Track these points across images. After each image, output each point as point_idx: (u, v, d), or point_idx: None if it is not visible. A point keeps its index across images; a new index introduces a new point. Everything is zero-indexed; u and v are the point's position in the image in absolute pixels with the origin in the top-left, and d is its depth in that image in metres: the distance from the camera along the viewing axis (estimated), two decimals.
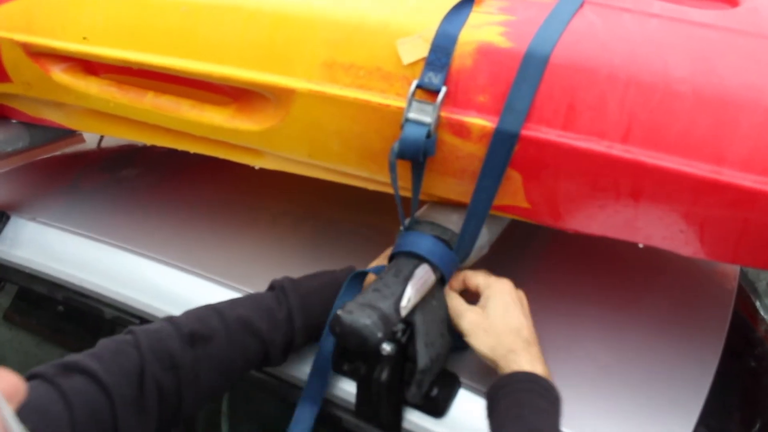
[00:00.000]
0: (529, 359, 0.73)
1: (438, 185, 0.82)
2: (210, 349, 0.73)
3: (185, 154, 1.05)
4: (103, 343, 0.70)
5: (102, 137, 1.60)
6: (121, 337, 0.71)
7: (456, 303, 0.80)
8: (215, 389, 0.76)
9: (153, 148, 1.48)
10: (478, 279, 0.82)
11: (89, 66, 1.01)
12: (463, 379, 0.81)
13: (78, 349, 0.71)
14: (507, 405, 0.70)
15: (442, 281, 0.80)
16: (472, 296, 0.82)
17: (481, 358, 0.77)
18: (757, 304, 1.32)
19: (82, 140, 1.61)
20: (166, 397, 0.69)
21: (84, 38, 0.94)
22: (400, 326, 0.75)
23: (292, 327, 0.79)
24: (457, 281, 0.83)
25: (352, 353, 0.82)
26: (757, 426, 1.00)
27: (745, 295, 1.21)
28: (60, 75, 0.99)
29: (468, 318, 0.78)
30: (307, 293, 0.81)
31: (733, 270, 1.15)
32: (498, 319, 0.77)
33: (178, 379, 0.70)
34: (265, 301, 0.80)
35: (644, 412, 0.80)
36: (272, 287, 0.83)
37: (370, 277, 0.82)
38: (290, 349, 0.81)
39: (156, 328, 0.72)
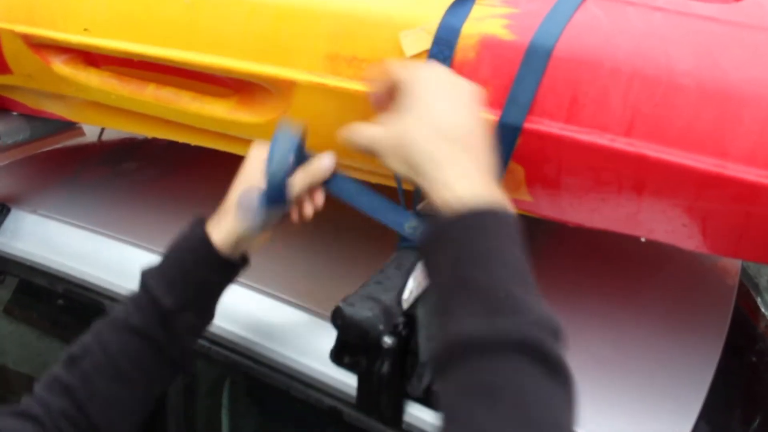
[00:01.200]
0: (459, 172, 0.55)
1: None
2: (88, 362, 0.69)
3: (186, 147, 1.05)
4: (35, 387, 0.69)
5: (103, 130, 1.60)
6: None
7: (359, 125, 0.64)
8: (121, 400, 0.70)
9: (154, 140, 1.48)
10: (392, 68, 0.64)
11: (90, 57, 1.00)
12: None
13: None
14: (441, 262, 0.54)
15: None
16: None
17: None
18: (758, 300, 1.32)
19: (83, 133, 1.61)
20: (76, 421, 0.67)
21: (85, 29, 0.93)
22: (401, 319, 0.75)
23: (152, 297, 0.71)
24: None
25: (353, 346, 0.81)
26: (758, 421, 1.00)
27: (745, 291, 1.21)
28: (61, 66, 0.99)
29: (368, 131, 0.62)
30: (160, 261, 0.74)
31: (734, 266, 1.15)
32: (415, 115, 0.58)
33: (76, 402, 0.67)
34: (129, 296, 0.74)
35: (645, 407, 0.80)
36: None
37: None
38: (169, 317, 0.71)
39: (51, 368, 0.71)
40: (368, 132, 0.63)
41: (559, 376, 0.49)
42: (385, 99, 0.65)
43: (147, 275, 0.73)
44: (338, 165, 0.89)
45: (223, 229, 0.73)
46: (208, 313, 0.77)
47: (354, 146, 0.64)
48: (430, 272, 0.56)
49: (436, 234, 0.55)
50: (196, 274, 0.73)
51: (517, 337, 0.48)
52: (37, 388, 0.68)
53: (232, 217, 0.73)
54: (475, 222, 0.53)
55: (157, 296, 0.71)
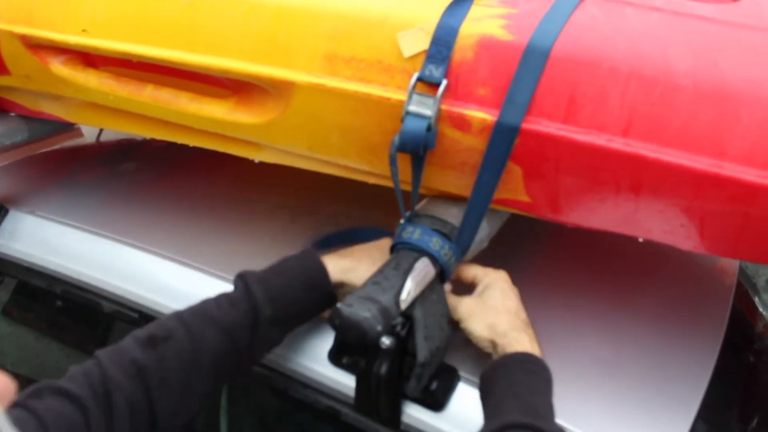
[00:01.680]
0: (528, 339, 0.76)
1: (438, 179, 0.82)
2: (171, 347, 0.71)
3: (184, 148, 1.05)
4: (71, 369, 0.69)
5: (101, 131, 1.59)
6: (87, 362, 0.70)
7: (450, 297, 0.82)
8: (189, 390, 0.72)
9: (152, 141, 1.48)
10: (476, 270, 0.84)
11: (88, 58, 1.00)
12: (462, 373, 0.81)
13: (77, 344, 0.71)
14: (505, 384, 0.72)
15: (441, 275, 0.80)
16: (467, 289, 0.82)
17: (477, 342, 0.78)
18: (756, 300, 1.32)
19: (81, 134, 1.61)
20: (136, 407, 0.67)
21: (83, 30, 0.93)
22: (399, 320, 0.75)
23: (252, 299, 0.76)
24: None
25: (351, 346, 0.82)
26: (756, 421, 1.00)
27: (743, 291, 1.21)
28: (59, 67, 0.99)
29: (465, 304, 0.80)
30: (266, 269, 0.80)
31: (732, 266, 1.15)
32: (497, 302, 0.79)
33: (146, 385, 0.68)
34: (225, 293, 0.78)
35: (643, 406, 0.80)
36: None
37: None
38: (264, 325, 0.76)
39: (116, 344, 0.71)
40: (466, 303, 0.81)
41: None
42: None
43: (251, 280, 0.77)
44: (338, 166, 0.89)
45: (345, 268, 0.82)
46: (286, 335, 0.81)
47: (452, 315, 0.81)
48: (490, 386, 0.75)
49: (509, 361, 0.74)
50: (303, 297, 0.80)
51: (542, 428, 0.66)
52: (105, 363, 0.67)
53: (360, 266, 0.82)
54: (534, 363, 0.74)
55: (258, 302, 0.75)
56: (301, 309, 0.81)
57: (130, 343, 0.71)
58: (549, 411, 0.71)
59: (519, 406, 0.69)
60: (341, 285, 0.81)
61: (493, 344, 0.76)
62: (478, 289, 0.82)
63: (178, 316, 0.74)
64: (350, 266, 0.82)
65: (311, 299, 0.81)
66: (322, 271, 0.80)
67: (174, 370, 0.70)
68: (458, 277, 0.85)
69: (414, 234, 0.79)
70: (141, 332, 0.72)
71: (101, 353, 0.70)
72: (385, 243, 0.84)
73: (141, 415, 0.67)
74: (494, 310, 0.78)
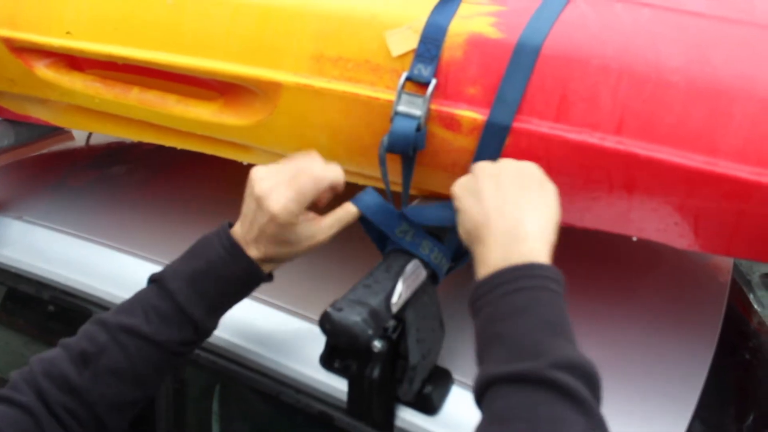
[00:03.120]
0: (480, 260, 0.63)
1: (429, 179, 0.81)
2: (105, 364, 0.68)
3: (174, 151, 1.04)
4: (12, 375, 0.68)
5: (90, 134, 1.58)
6: (24, 369, 0.68)
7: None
8: (131, 398, 0.70)
9: (141, 144, 1.47)
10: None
11: (73, 61, 0.99)
12: (456, 376, 0.80)
13: None
14: (486, 318, 0.59)
15: (433, 277, 0.79)
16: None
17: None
18: (751, 297, 1.32)
19: (72, 137, 1.59)
20: (78, 418, 0.66)
21: (68, 33, 0.92)
22: (391, 323, 0.74)
23: (190, 317, 0.71)
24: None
25: (343, 351, 0.81)
26: (751, 419, 1.00)
27: (737, 288, 1.20)
28: (44, 71, 0.98)
29: (460, 180, 0.69)
30: (191, 274, 0.73)
31: (727, 263, 1.15)
32: (465, 211, 0.67)
33: (84, 401, 0.66)
34: (148, 301, 0.72)
35: (640, 406, 0.79)
36: (151, 280, 0.75)
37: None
38: (203, 335, 0.73)
39: (49, 354, 0.69)
40: (462, 179, 0.69)
41: (580, 408, 0.51)
42: None
43: (178, 293, 0.71)
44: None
45: (269, 249, 0.74)
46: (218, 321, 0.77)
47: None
48: (475, 335, 0.61)
49: (473, 298, 0.62)
50: (239, 296, 0.76)
51: (535, 375, 0.52)
52: (37, 375, 0.66)
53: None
54: (501, 282, 0.59)
55: (200, 321, 0.72)
56: (233, 299, 0.76)
57: (61, 357, 0.68)
58: (545, 336, 0.55)
59: (496, 352, 0.56)
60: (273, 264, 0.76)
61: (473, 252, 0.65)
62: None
63: (106, 328, 0.70)
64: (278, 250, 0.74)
65: (246, 293, 0.76)
66: (257, 270, 0.74)
67: (111, 386, 0.68)
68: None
69: (407, 236, 0.77)
70: (72, 344, 0.69)
71: (35, 363, 0.68)
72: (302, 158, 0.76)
73: (87, 423, 0.66)
74: (470, 208, 0.66)
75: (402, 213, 0.77)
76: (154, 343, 0.70)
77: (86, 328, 0.71)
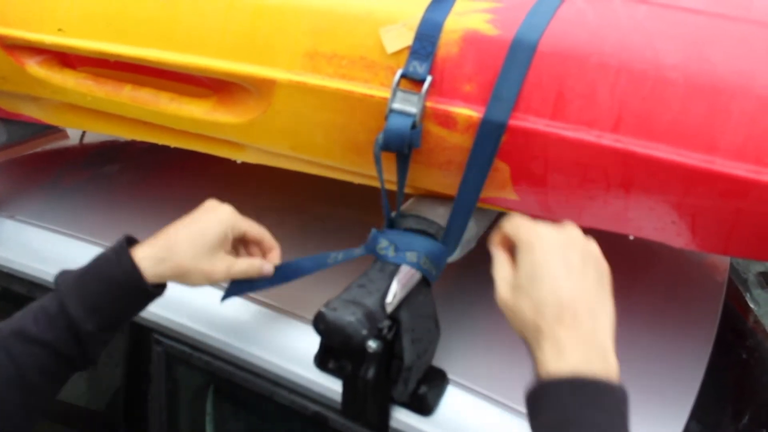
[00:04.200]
0: (556, 349, 0.55)
1: (424, 178, 0.80)
2: None
3: (168, 149, 1.03)
4: None
5: (84, 132, 1.57)
6: None
7: (498, 255, 0.65)
8: (27, 406, 0.69)
9: (135, 143, 1.45)
10: (514, 227, 0.63)
11: (65, 58, 0.98)
12: (451, 376, 0.80)
13: None
14: (548, 423, 0.55)
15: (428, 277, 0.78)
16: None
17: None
18: (747, 296, 1.32)
19: (66, 136, 1.58)
20: None
21: (59, 30, 0.91)
22: (386, 323, 0.73)
23: (68, 315, 0.69)
24: (497, 234, 0.66)
25: (337, 351, 0.80)
26: (746, 418, 0.99)
27: (734, 287, 1.20)
28: (35, 68, 0.97)
29: (500, 270, 0.63)
30: (78, 272, 0.72)
31: (723, 262, 1.14)
32: (523, 286, 0.59)
33: None
34: (40, 301, 0.71)
35: (636, 406, 0.78)
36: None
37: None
38: (86, 338, 0.70)
39: None
40: (500, 273, 0.63)
41: None
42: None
43: (65, 293, 0.70)
44: (322, 166, 0.87)
45: (166, 268, 0.73)
46: (117, 331, 0.75)
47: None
48: (534, 429, 0.56)
49: (538, 394, 0.56)
50: (123, 303, 0.73)
51: None
52: None
53: (183, 265, 0.74)
54: (583, 390, 0.54)
55: (77, 319, 0.69)
56: (127, 315, 0.75)
57: None
58: None
59: None
60: (161, 285, 0.76)
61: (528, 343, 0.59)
62: (518, 254, 0.62)
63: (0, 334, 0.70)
64: (163, 256, 0.74)
65: (132, 302, 0.75)
66: (139, 279, 0.72)
67: (5, 394, 0.67)
68: (501, 236, 0.66)
69: (389, 251, 0.76)
70: None
71: None
72: (209, 203, 0.79)
73: None
74: (517, 302, 0.60)
75: (376, 233, 0.77)
76: (40, 343, 0.68)
77: None
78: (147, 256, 0.73)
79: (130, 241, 0.75)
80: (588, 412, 0.53)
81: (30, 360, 0.68)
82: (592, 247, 0.62)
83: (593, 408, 0.53)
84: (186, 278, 0.75)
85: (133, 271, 0.72)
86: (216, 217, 0.77)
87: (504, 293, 0.61)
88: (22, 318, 0.70)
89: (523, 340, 0.60)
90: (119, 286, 0.72)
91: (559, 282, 0.58)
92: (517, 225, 0.63)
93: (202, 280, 0.75)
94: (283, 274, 0.80)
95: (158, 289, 0.75)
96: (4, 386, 0.67)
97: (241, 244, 0.82)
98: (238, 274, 0.77)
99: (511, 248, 0.63)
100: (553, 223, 0.63)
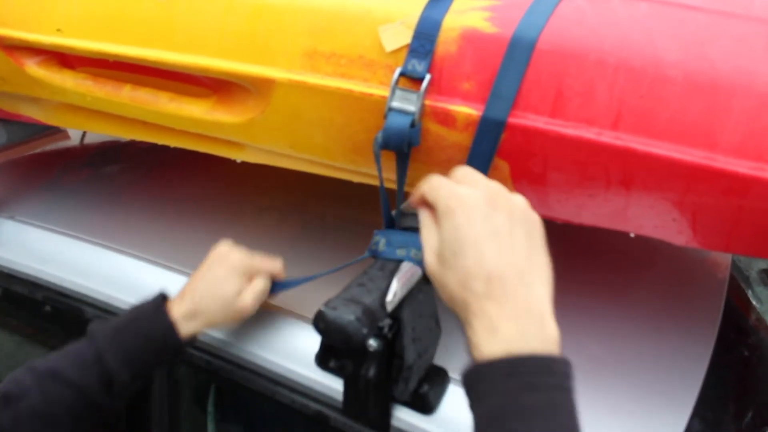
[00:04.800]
0: (487, 327, 0.50)
1: (424, 176, 0.79)
2: (24, 407, 0.72)
3: (168, 149, 1.03)
4: None
5: (84, 133, 1.57)
6: None
7: (425, 218, 0.58)
8: None
9: (136, 143, 1.45)
10: (433, 191, 0.57)
11: (64, 59, 0.98)
12: (453, 375, 0.80)
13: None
14: (486, 412, 0.51)
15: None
16: None
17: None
18: (749, 293, 1.31)
19: (67, 136, 1.58)
20: None
21: (58, 30, 0.91)
22: (386, 321, 0.73)
23: (104, 365, 0.75)
24: (416, 195, 0.60)
25: (338, 350, 0.80)
26: (749, 416, 0.99)
27: (735, 284, 1.20)
28: (34, 69, 0.97)
29: (427, 240, 0.57)
30: (116, 325, 0.79)
31: (725, 259, 1.14)
32: (446, 256, 0.54)
33: None
34: (75, 346, 0.77)
35: (638, 404, 0.79)
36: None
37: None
38: (118, 387, 0.76)
39: None
40: (428, 239, 0.57)
41: None
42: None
43: (102, 342, 0.76)
44: (322, 165, 0.87)
45: (198, 325, 0.80)
46: (146, 378, 0.82)
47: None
48: (474, 414, 0.52)
49: (476, 374, 0.52)
50: (158, 358, 0.79)
51: None
52: None
53: (213, 318, 0.81)
54: (518, 372, 0.50)
55: (112, 371, 0.75)
56: (155, 365, 0.81)
57: None
58: None
59: None
60: (209, 327, 0.83)
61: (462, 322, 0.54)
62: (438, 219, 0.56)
63: (33, 372, 0.74)
64: (192, 314, 0.80)
65: (166, 356, 0.81)
66: (174, 334, 0.79)
67: (30, 427, 0.72)
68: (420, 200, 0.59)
69: (379, 246, 0.75)
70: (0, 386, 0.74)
71: None
72: (220, 251, 0.85)
73: None
74: (443, 276, 0.54)
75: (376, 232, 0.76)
76: (74, 388, 0.73)
77: (17, 372, 0.75)
78: (180, 314, 0.79)
79: (164, 297, 0.82)
80: (525, 397, 0.49)
81: (61, 401, 0.73)
82: (518, 200, 0.56)
83: (531, 391, 0.49)
84: (220, 327, 0.85)
85: (170, 329, 0.78)
86: (230, 267, 0.82)
87: (431, 263, 0.56)
88: (60, 360, 0.75)
89: (455, 316, 0.55)
90: (156, 343, 0.78)
91: (484, 251, 0.52)
92: (436, 187, 0.57)
93: (237, 322, 0.85)
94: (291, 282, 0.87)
95: (190, 343, 0.82)
96: (32, 421, 0.72)
97: None
98: (262, 296, 0.83)
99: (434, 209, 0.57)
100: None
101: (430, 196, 0.57)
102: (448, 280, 0.53)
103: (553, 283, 0.55)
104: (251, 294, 0.82)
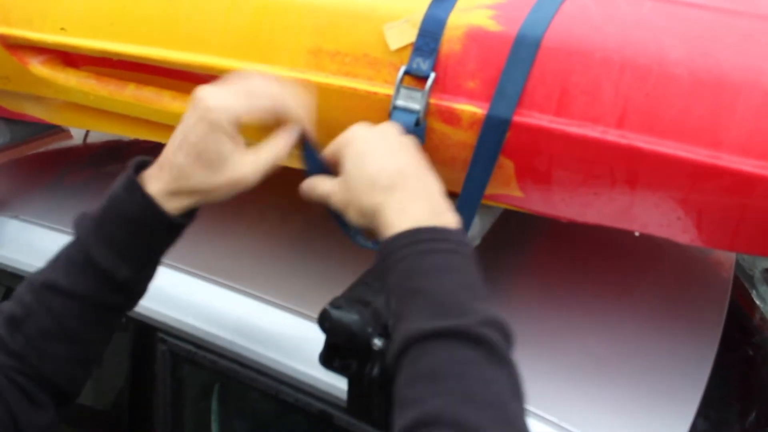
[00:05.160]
0: (398, 209, 0.60)
1: None
2: (32, 326, 0.64)
3: None
4: None
5: (87, 132, 1.57)
6: None
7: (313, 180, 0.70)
8: (74, 358, 0.66)
9: (140, 142, 1.46)
10: (331, 146, 0.68)
11: (68, 58, 0.98)
12: None
13: None
14: (397, 280, 0.58)
15: None
16: None
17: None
18: (753, 293, 1.31)
19: (70, 136, 1.58)
20: (33, 380, 0.63)
21: (62, 29, 0.91)
22: (391, 320, 0.73)
23: (96, 264, 0.64)
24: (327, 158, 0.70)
25: (343, 349, 0.80)
26: (753, 415, 0.99)
27: (739, 283, 1.20)
28: (38, 68, 0.96)
29: (323, 188, 0.68)
30: (96, 215, 0.66)
31: (729, 258, 1.14)
32: (353, 177, 0.64)
33: (28, 363, 0.63)
34: (66, 249, 0.66)
35: (643, 404, 0.79)
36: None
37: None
38: (123, 282, 0.65)
39: None
40: (323, 189, 0.69)
41: (502, 363, 0.52)
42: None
43: (86, 238, 0.64)
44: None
45: (183, 200, 0.65)
46: (157, 264, 0.71)
47: (311, 199, 0.70)
48: (386, 288, 0.61)
49: (385, 253, 0.60)
50: (152, 240, 0.67)
51: (460, 332, 0.53)
52: None
53: (198, 188, 0.65)
54: (420, 239, 0.59)
55: (108, 269, 0.64)
56: (153, 251, 0.68)
57: None
58: (467, 298, 0.55)
59: (418, 308, 0.55)
60: (199, 201, 0.67)
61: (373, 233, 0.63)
62: (342, 162, 0.66)
63: (32, 287, 0.65)
64: (174, 189, 0.65)
65: (162, 236, 0.68)
66: (156, 209, 0.64)
67: (46, 347, 0.64)
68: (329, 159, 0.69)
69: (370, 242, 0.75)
70: (5, 308, 0.65)
71: None
72: (194, 96, 0.66)
73: (40, 383, 0.64)
74: (352, 191, 0.64)
75: None
76: (75, 297, 0.64)
77: (18, 289, 0.66)
78: (158, 192, 0.64)
79: (140, 169, 0.67)
80: (427, 258, 0.57)
81: (68, 313, 0.64)
82: (408, 139, 0.68)
83: (432, 254, 0.57)
84: (212, 199, 0.66)
85: (150, 205, 0.64)
86: (205, 122, 0.63)
87: (337, 196, 0.66)
88: (53, 269, 0.65)
89: (363, 224, 0.65)
90: (140, 225, 0.65)
91: (383, 159, 0.64)
92: (335, 140, 0.69)
93: (233, 192, 0.67)
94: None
95: (186, 218, 0.67)
96: (46, 340, 0.64)
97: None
98: (269, 163, 0.67)
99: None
100: None
101: (334, 146, 0.68)
102: (356, 194, 0.64)
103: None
104: (258, 159, 0.66)
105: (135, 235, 0.65)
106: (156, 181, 0.65)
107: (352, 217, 0.65)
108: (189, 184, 0.64)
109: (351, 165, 0.65)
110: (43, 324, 0.64)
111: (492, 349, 0.52)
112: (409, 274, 0.57)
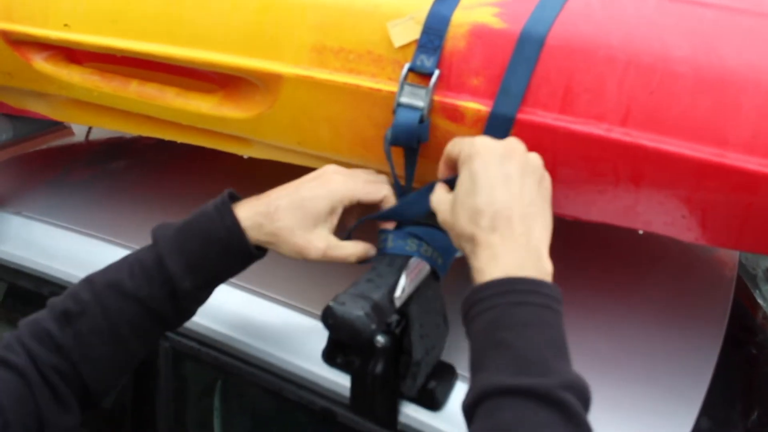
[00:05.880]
0: (490, 255, 0.58)
1: (432, 172, 0.79)
2: (85, 323, 0.66)
3: (174, 145, 1.03)
4: (5, 336, 0.67)
5: (90, 129, 1.57)
6: (14, 332, 0.67)
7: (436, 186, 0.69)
8: (113, 362, 0.69)
9: (141, 139, 1.46)
10: (456, 146, 0.67)
11: (72, 54, 0.98)
12: (460, 371, 0.79)
13: None
14: (482, 327, 0.57)
15: (435, 271, 0.78)
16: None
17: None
18: (756, 292, 1.31)
19: (72, 133, 1.59)
20: (65, 377, 0.65)
21: (65, 25, 0.91)
22: (394, 317, 0.73)
23: (165, 270, 0.68)
24: (443, 160, 0.70)
25: (346, 346, 0.80)
26: (755, 414, 0.99)
27: (742, 283, 1.19)
28: (42, 64, 0.97)
29: (436, 195, 0.68)
30: (180, 225, 0.70)
31: (732, 257, 1.14)
32: (460, 201, 0.63)
33: (68, 358, 0.65)
34: (137, 253, 0.70)
35: (646, 403, 0.78)
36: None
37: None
38: (181, 296, 0.69)
39: (35, 315, 0.68)
40: (435, 201, 0.68)
41: (577, 429, 0.50)
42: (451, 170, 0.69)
43: (164, 248, 0.69)
44: (330, 161, 0.87)
45: (261, 235, 0.70)
46: (214, 288, 0.74)
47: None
48: (469, 336, 0.59)
49: (471, 301, 0.58)
50: (223, 263, 0.71)
51: (544, 393, 0.51)
52: (24, 336, 0.65)
53: (282, 233, 0.70)
54: (513, 290, 0.57)
55: (174, 276, 0.68)
56: (224, 274, 0.72)
57: (45, 315, 0.67)
58: (552, 356, 0.54)
59: (502, 361, 0.54)
60: (268, 243, 0.71)
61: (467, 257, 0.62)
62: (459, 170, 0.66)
63: (91, 286, 0.68)
64: (261, 222, 0.70)
65: (232, 263, 0.72)
66: (240, 235, 0.69)
67: (93, 346, 0.67)
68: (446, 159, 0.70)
69: (387, 242, 0.76)
70: (57, 303, 0.68)
71: (22, 323, 0.67)
72: (326, 169, 0.74)
73: (73, 382, 0.66)
74: (456, 211, 0.63)
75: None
76: (135, 299, 0.67)
77: (74, 286, 0.69)
78: (247, 218, 0.69)
79: (233, 197, 0.72)
80: (516, 311, 0.55)
81: (123, 315, 0.67)
82: (533, 157, 0.65)
83: (522, 306, 0.55)
84: (278, 248, 0.71)
85: (236, 230, 0.69)
86: (326, 189, 0.72)
87: (443, 214, 0.65)
88: (118, 270, 0.69)
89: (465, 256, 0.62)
90: (221, 245, 0.69)
91: (495, 191, 0.61)
92: (459, 141, 0.67)
93: (294, 255, 0.72)
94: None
95: (260, 251, 0.72)
96: (94, 340, 0.66)
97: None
98: (336, 258, 0.73)
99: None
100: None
101: (454, 149, 0.66)
102: (458, 218, 0.62)
103: (552, 233, 0.63)
104: (332, 247, 0.72)
105: (210, 253, 0.69)
106: (248, 209, 0.70)
107: (452, 236, 0.65)
108: (274, 225, 0.70)
109: (463, 187, 0.63)
110: (96, 323, 0.67)
111: (569, 415, 0.50)
112: (496, 324, 0.56)
